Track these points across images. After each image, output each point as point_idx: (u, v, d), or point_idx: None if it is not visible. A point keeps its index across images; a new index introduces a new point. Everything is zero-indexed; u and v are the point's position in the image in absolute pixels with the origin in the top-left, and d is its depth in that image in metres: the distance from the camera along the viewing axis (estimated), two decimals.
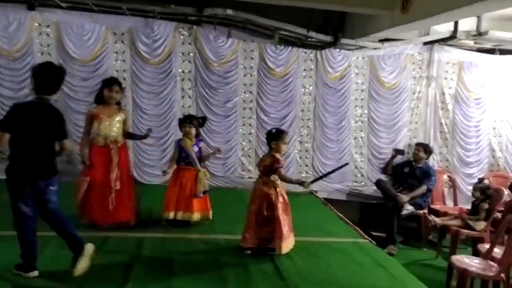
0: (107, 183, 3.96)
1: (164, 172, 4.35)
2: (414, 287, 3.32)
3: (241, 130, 6.36)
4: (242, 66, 6.23)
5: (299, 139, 6.48)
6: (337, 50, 6.35)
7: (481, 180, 5.39)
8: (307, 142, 6.54)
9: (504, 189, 5.02)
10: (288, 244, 3.74)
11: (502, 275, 3.64)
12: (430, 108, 6.70)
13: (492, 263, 3.84)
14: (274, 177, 3.75)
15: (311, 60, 6.40)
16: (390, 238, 5.44)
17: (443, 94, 6.67)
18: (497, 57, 6.67)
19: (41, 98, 2.97)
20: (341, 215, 5.28)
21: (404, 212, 5.53)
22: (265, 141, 6.19)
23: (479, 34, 5.79)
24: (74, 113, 5.67)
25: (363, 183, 6.67)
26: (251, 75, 6.28)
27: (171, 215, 4.25)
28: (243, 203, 5.46)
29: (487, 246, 4.14)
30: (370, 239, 4.48)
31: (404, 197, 5.55)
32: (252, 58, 6.24)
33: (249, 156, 6.44)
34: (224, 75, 6.16)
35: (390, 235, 5.47)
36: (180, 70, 6.07)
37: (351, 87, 6.50)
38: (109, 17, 5.76)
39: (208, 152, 4.79)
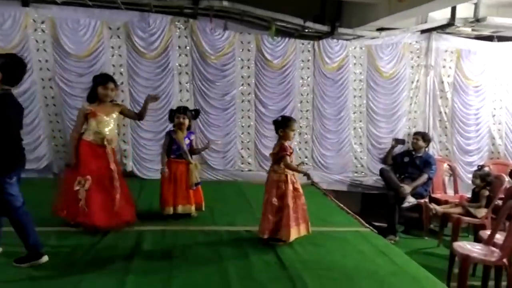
0: (107, 183, 3.80)
1: (163, 169, 4.24)
2: (416, 273, 3.30)
3: (239, 122, 6.34)
4: (239, 59, 6.19)
5: (298, 130, 6.43)
6: (335, 40, 6.31)
7: (481, 167, 5.37)
8: (306, 134, 6.53)
9: (504, 175, 5.01)
10: (299, 231, 3.71)
11: (504, 260, 3.63)
12: (429, 97, 6.66)
13: (494, 248, 3.83)
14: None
15: (308, 51, 6.36)
16: (391, 228, 5.44)
17: (442, 82, 6.63)
18: (495, 44, 6.63)
19: (5, 89, 2.95)
20: (341, 205, 5.27)
21: (406, 204, 5.52)
22: (264, 133, 6.34)
23: (476, 20, 5.76)
24: (71, 109, 5.64)
25: (363, 173, 6.66)
26: (248, 67, 6.24)
27: (171, 210, 4.22)
28: (243, 196, 5.51)
29: (488, 232, 4.14)
30: (371, 227, 4.47)
31: (407, 189, 5.53)
32: (249, 50, 6.20)
33: (248, 149, 6.42)
34: (221, 68, 6.12)
35: (391, 225, 5.47)
36: (177, 64, 6.03)
37: (349, 77, 6.47)
38: (104, 11, 5.71)
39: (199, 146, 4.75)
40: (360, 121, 6.61)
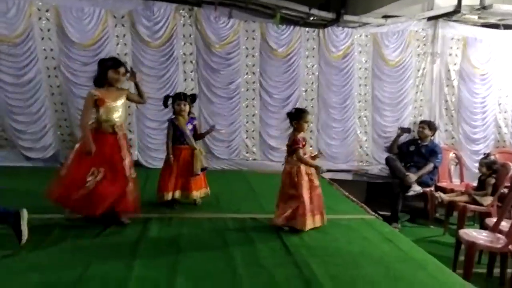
0: (119, 173, 3.67)
1: (169, 157, 4.22)
2: (423, 259, 3.30)
3: (244, 111, 6.32)
4: (244, 47, 6.16)
5: None
6: (340, 28, 6.27)
7: (486, 155, 5.36)
8: (311, 122, 6.51)
9: (510, 164, 4.99)
10: (314, 222, 3.75)
11: (510, 247, 3.63)
12: (435, 85, 6.61)
13: (499, 235, 3.83)
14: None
15: (313, 39, 6.32)
16: (394, 216, 5.45)
17: (448, 70, 6.58)
18: (501, 32, 6.56)
19: None
20: (346, 193, 5.27)
21: (411, 193, 5.52)
22: (269, 122, 6.32)
23: (483, 7, 5.68)
24: (76, 98, 5.64)
25: (368, 162, 6.64)
26: (253, 55, 6.21)
27: (169, 195, 4.19)
28: (249, 184, 5.53)
29: (494, 220, 4.13)
30: (376, 215, 4.47)
31: (413, 177, 5.51)
32: (254, 39, 6.17)
33: (253, 138, 6.41)
34: (226, 57, 6.10)
35: (394, 213, 5.48)
36: (181, 53, 6.01)
37: (354, 66, 6.42)
38: (108, 0, 5.69)
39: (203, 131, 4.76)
40: (366, 110, 6.58)
